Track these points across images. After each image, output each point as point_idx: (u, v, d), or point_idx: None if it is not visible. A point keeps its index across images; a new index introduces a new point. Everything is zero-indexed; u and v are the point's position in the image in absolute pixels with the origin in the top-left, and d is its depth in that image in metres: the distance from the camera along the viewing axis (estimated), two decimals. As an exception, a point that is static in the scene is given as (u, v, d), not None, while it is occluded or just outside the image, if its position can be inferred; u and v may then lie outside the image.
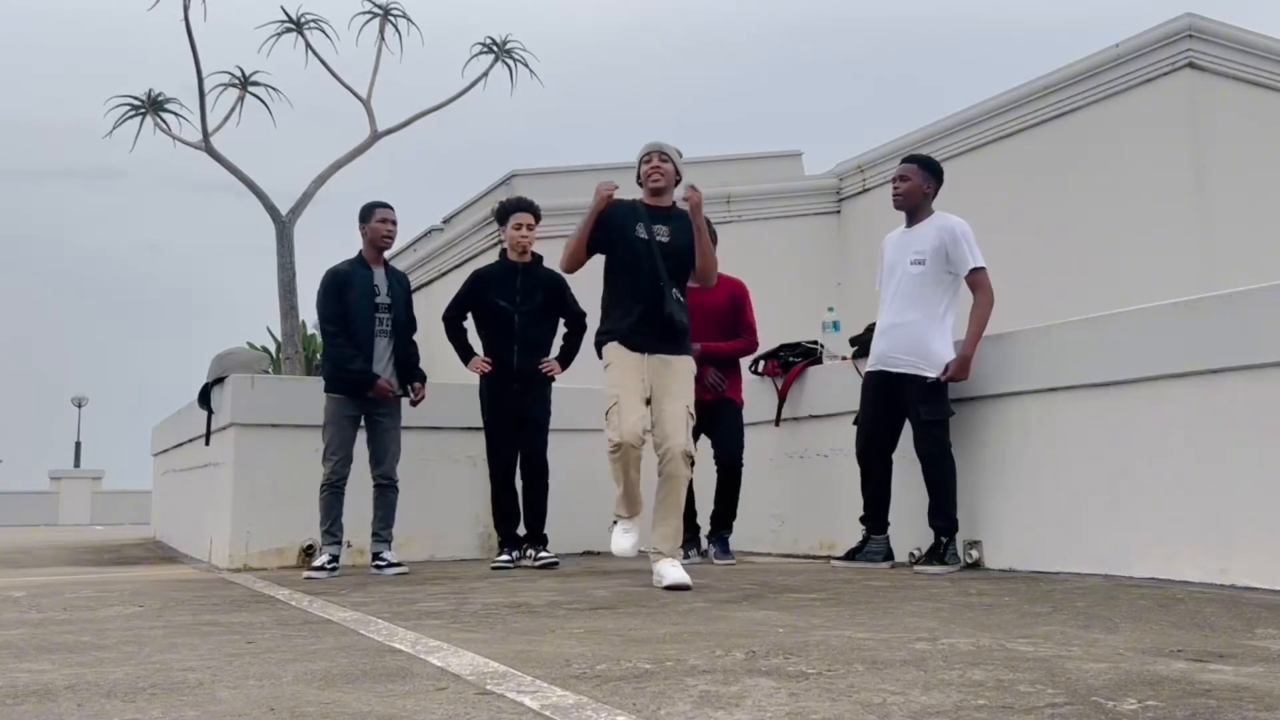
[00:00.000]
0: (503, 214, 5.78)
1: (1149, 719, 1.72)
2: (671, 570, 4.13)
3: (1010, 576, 4.43)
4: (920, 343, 4.81)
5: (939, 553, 4.74)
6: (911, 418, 4.87)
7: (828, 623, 3.00)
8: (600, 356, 4.50)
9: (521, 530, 5.65)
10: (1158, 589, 3.77)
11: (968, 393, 4.98)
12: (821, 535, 5.81)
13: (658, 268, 4.40)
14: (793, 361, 6.11)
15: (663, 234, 4.47)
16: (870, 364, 5.05)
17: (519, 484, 5.68)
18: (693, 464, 4.37)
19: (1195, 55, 8.21)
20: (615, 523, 4.47)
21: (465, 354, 5.75)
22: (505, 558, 5.51)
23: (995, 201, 9.43)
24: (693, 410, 4.37)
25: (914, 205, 4.98)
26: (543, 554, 5.48)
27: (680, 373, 4.41)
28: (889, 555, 5.03)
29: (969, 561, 4.89)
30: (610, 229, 4.47)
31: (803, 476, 6.03)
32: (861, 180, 10.66)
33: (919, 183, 4.96)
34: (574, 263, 4.58)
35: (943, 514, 4.78)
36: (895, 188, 5.01)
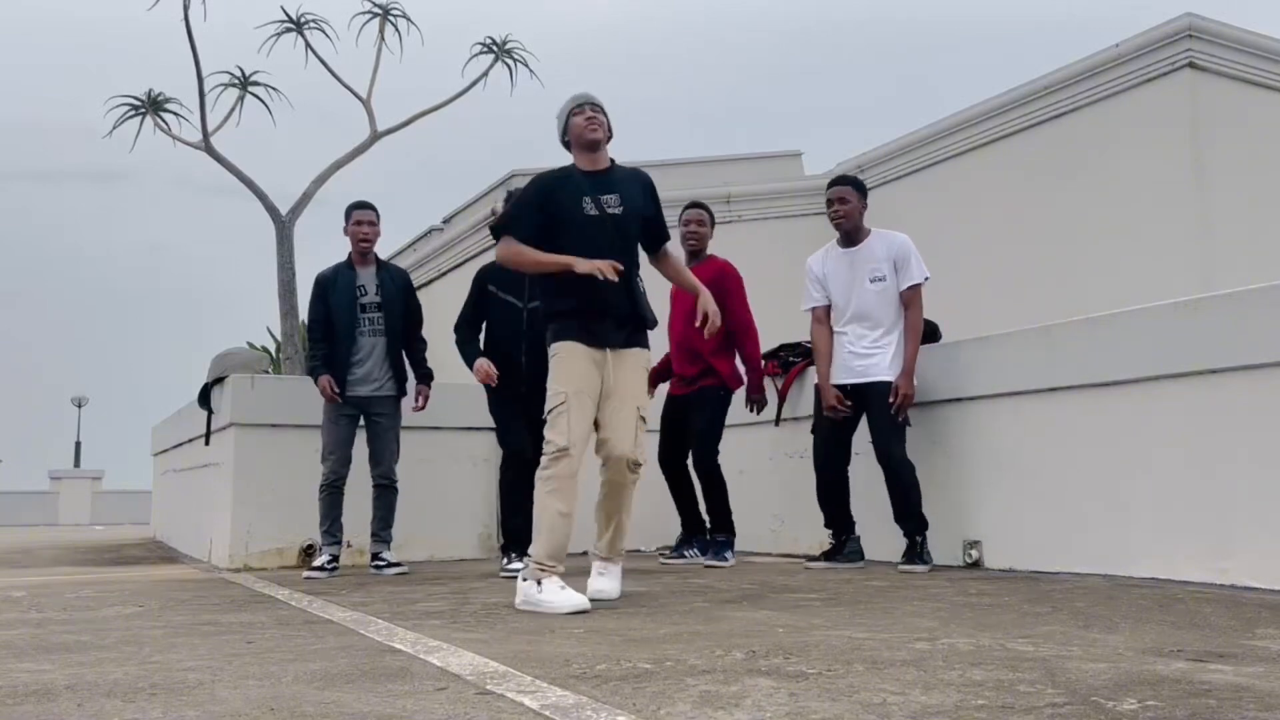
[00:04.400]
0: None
1: (1149, 719, 1.72)
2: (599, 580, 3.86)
3: (1010, 576, 4.43)
4: (889, 353, 4.98)
5: (917, 551, 4.87)
6: (881, 422, 4.95)
7: (828, 623, 3.00)
8: (550, 346, 3.90)
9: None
10: (1158, 589, 3.77)
11: (968, 393, 4.99)
12: (821, 535, 5.80)
13: (615, 246, 3.86)
14: (793, 361, 6.11)
15: (613, 204, 3.93)
16: (837, 377, 5.11)
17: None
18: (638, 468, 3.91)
19: (1195, 55, 8.21)
20: (540, 581, 3.57)
21: (470, 355, 5.35)
22: (519, 565, 5.02)
23: (995, 201, 9.43)
24: (645, 414, 3.95)
25: (855, 225, 5.14)
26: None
27: (636, 369, 3.93)
28: (863, 554, 5.18)
29: (969, 561, 4.90)
30: (555, 210, 3.89)
31: (803, 476, 6.02)
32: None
33: (856, 204, 5.14)
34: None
35: (912, 514, 4.90)
36: (836, 210, 5.14)
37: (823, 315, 5.22)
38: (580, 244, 3.81)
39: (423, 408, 5.58)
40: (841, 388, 5.09)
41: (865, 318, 5.04)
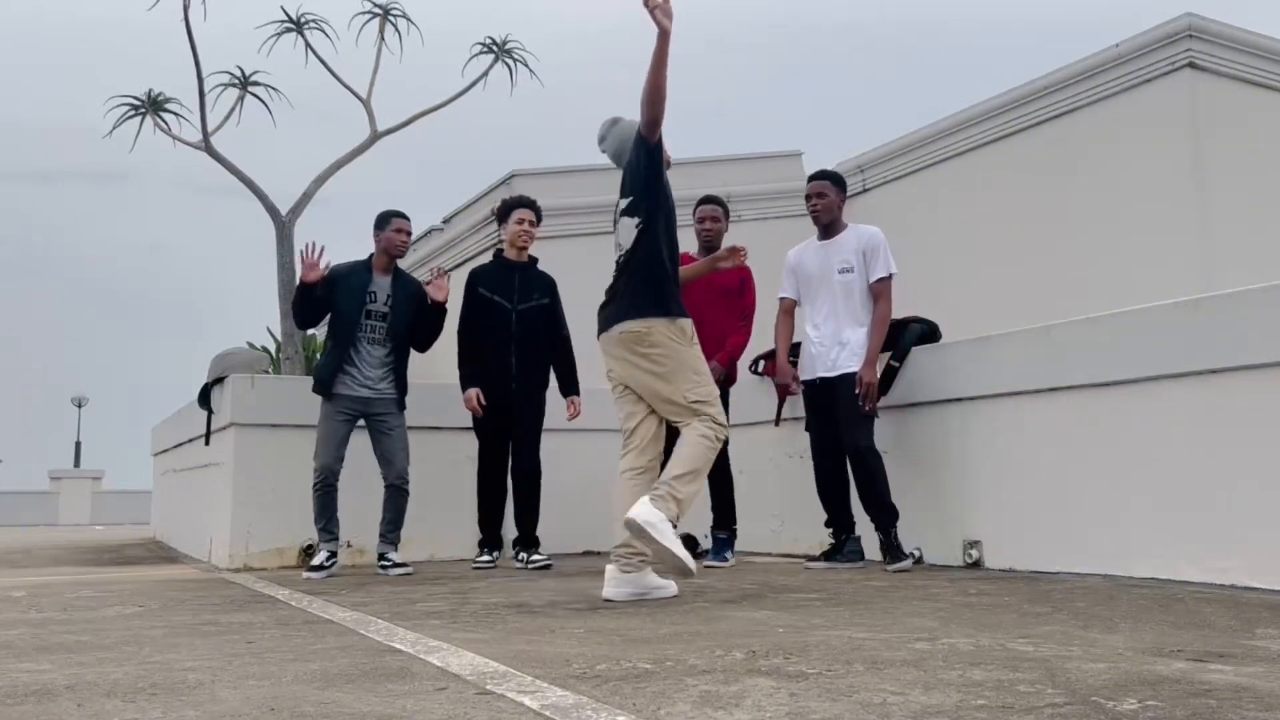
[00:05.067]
0: (505, 211, 5.78)
1: (1149, 719, 1.72)
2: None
3: (1010, 576, 4.43)
4: (857, 343, 5.04)
5: (894, 546, 4.89)
6: (849, 413, 4.98)
7: (828, 623, 3.00)
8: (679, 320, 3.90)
9: (513, 533, 5.72)
10: (1158, 589, 3.77)
11: (968, 393, 4.99)
12: (821, 535, 5.80)
13: None
14: (792, 361, 6.10)
15: None
16: (808, 371, 5.22)
17: (509, 486, 5.74)
18: None
19: (1195, 55, 8.21)
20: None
21: (466, 379, 5.60)
22: (487, 558, 5.59)
23: (995, 201, 9.43)
24: None
25: (832, 219, 5.24)
26: (535, 557, 5.54)
27: None
28: (863, 554, 5.18)
29: (969, 561, 4.90)
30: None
31: (803, 476, 6.02)
32: (861, 180, 10.66)
33: (834, 198, 5.24)
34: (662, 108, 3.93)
35: (881, 503, 4.94)
36: (814, 205, 5.25)
37: (789, 308, 5.36)
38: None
39: (444, 282, 5.56)
40: (810, 382, 5.18)
41: (832, 307, 5.13)
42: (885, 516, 4.93)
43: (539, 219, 5.76)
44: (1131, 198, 8.36)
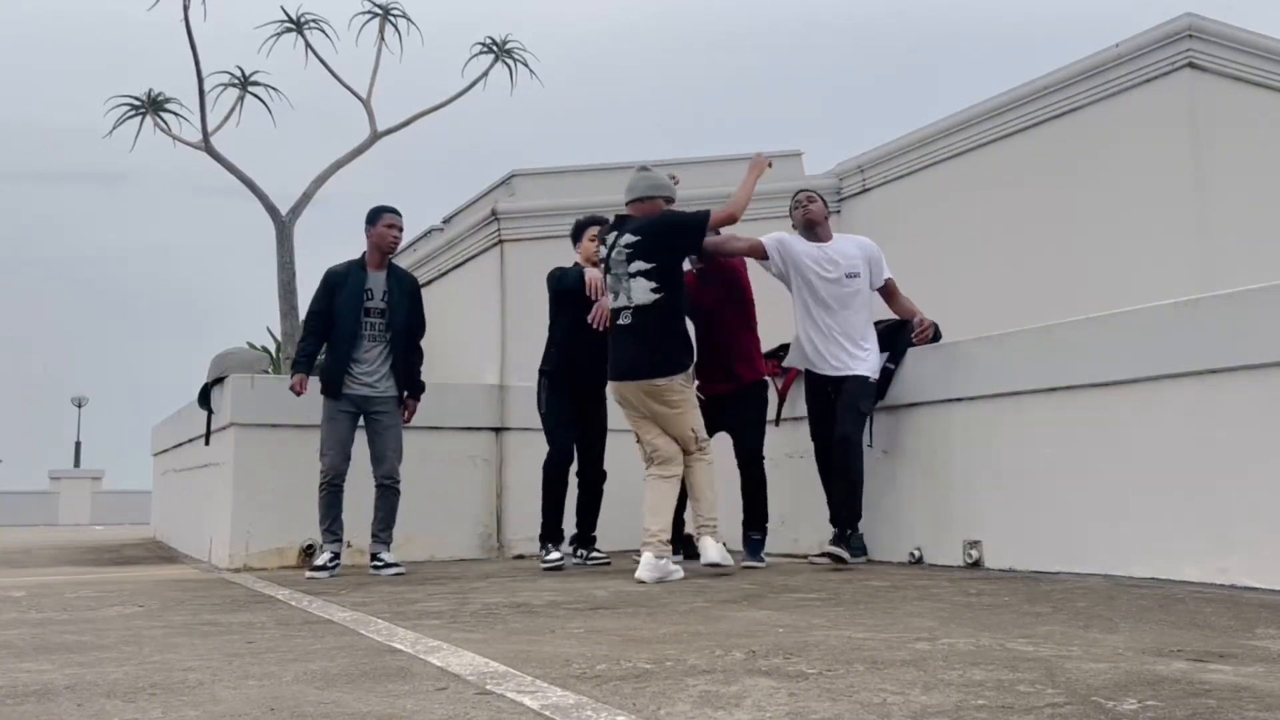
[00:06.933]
0: (580, 230, 5.71)
1: (1149, 719, 1.72)
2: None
3: (1010, 576, 4.43)
4: (863, 345, 5.20)
5: (844, 539, 5.02)
6: (847, 407, 5.10)
7: (828, 623, 3.01)
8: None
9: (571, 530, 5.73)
10: (1158, 589, 3.77)
11: (968, 393, 4.99)
12: (821, 535, 5.79)
13: None
14: (781, 357, 6.09)
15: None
16: (819, 367, 5.28)
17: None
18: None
19: (1195, 55, 8.21)
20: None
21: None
22: (557, 555, 5.38)
23: (995, 201, 9.43)
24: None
25: (821, 221, 5.40)
26: (595, 554, 5.66)
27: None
28: (865, 549, 5.22)
29: (969, 561, 4.90)
30: None
31: (803, 476, 6.02)
32: (861, 180, 10.66)
33: (822, 204, 5.48)
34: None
35: (854, 498, 5.10)
36: (811, 201, 5.40)
37: (759, 250, 5.32)
38: None
39: (408, 421, 5.60)
40: (823, 378, 5.27)
41: (842, 309, 5.22)
42: (853, 508, 5.07)
43: None
44: (1131, 198, 8.35)
